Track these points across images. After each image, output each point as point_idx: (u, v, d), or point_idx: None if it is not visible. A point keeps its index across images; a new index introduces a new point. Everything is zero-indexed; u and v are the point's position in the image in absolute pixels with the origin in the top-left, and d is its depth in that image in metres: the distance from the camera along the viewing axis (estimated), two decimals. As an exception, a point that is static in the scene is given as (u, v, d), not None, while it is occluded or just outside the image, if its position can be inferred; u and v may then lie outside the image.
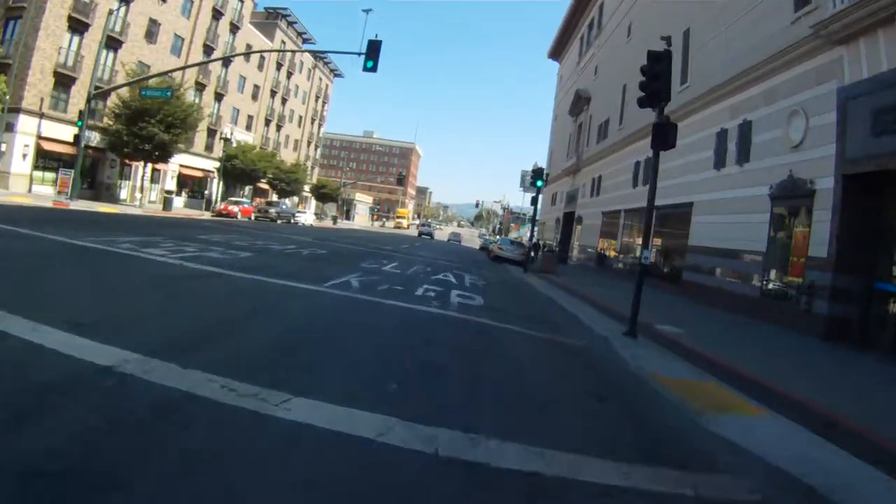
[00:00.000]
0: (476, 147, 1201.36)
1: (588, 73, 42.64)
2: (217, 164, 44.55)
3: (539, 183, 25.39)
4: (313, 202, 72.18)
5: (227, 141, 43.49)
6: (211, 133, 48.63)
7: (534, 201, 29.58)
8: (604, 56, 38.31)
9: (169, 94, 26.25)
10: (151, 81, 30.63)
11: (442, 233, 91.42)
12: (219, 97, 49.62)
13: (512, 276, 20.86)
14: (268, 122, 58.83)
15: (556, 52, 59.03)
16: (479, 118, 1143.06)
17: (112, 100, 33.38)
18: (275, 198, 58.02)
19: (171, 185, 43.98)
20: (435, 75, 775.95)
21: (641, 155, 26.64)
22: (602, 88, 37.29)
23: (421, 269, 17.32)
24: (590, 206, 35.55)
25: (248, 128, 55.32)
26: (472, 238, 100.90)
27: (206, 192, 47.20)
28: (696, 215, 19.97)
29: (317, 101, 71.68)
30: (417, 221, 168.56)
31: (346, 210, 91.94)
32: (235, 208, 37.28)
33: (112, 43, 36.11)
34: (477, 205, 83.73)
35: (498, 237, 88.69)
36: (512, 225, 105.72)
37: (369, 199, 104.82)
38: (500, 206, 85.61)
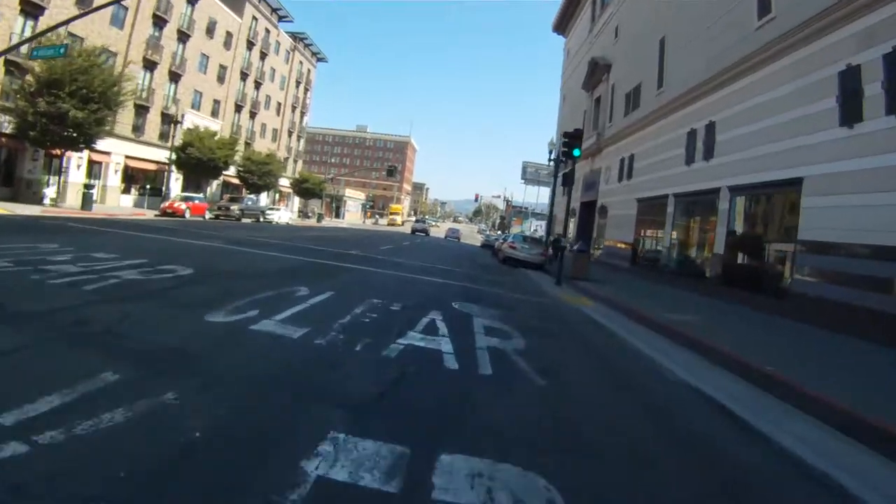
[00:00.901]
0: (474, 142, 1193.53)
1: (605, 37, 35.88)
2: (173, 155, 37.79)
3: (576, 152, 18.21)
4: (297, 200, 65.39)
5: (177, 124, 36.66)
6: (167, 119, 41.81)
7: (567, 180, 23.32)
8: (626, 13, 31.58)
9: (62, 51, 19.42)
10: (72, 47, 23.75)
11: (439, 230, 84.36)
12: (175, 77, 42.77)
13: (550, 300, 13.89)
14: (239, 109, 51.99)
15: (562, 25, 52.23)
16: (476, 113, 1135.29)
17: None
18: (253, 194, 51.25)
19: (114, 180, 37.19)
20: (430, 69, 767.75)
21: (698, 120, 19.96)
22: (627, 50, 30.51)
23: (376, 309, 7.84)
24: (618, 192, 28.81)
25: (215, 114, 48.47)
26: (471, 234, 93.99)
27: (164, 188, 40.35)
28: (811, 196, 13.24)
29: (298, 86, 64.83)
30: (414, 218, 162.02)
31: (336, 207, 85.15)
32: (183, 205, 30.54)
33: (31, 9, 29.37)
34: (476, 199, 77.00)
35: (499, 232, 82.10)
36: (514, 219, 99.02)
37: (361, 196, 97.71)
38: (501, 199, 78.82)
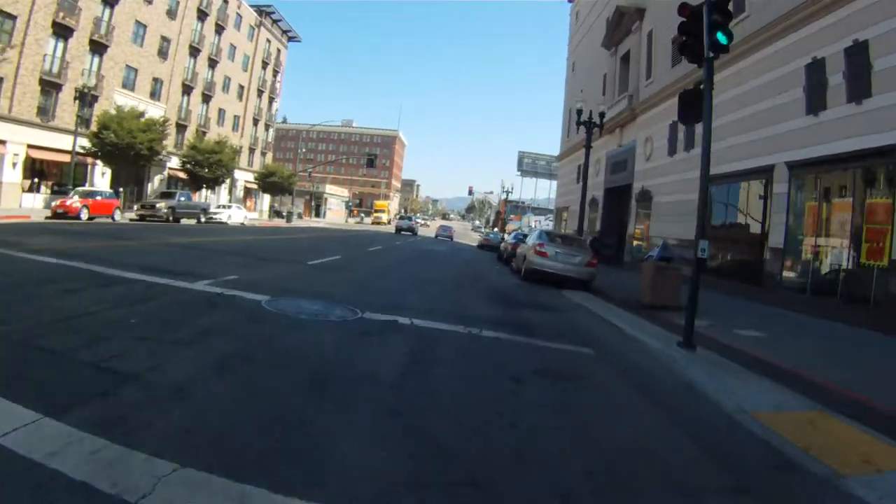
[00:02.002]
0: (466, 139, 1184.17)
1: (633, -23, 28.03)
2: (88, 143, 29.69)
3: (723, 38, 9.10)
4: (266, 197, 57.27)
5: (86, 99, 28.62)
6: (87, 99, 33.71)
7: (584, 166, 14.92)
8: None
9: None
10: None
11: (429, 229, 76.15)
12: (98, 48, 34.59)
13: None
14: (187, 90, 43.80)
15: (570, -17, 44.52)
16: (468, 109, 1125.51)
17: None
18: (211, 190, 43.18)
19: (12, 174, 29.03)
20: (420, 63, 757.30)
21: (829, 43, 12.28)
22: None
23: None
24: (672, 169, 21.02)
25: (155, 95, 40.28)
26: (465, 233, 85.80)
27: (73, 184, 32.12)
28: None
29: (265, 68, 56.65)
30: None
31: (316, 206, 77.04)
32: (78, 204, 22.51)
33: None
34: (470, 192, 69.37)
35: (496, 230, 74.29)
36: (511, 216, 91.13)
37: (345, 193, 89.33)
38: (495, 195, 71.01)
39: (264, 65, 56.35)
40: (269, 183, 48.87)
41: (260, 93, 55.98)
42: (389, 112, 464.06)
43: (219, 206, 36.40)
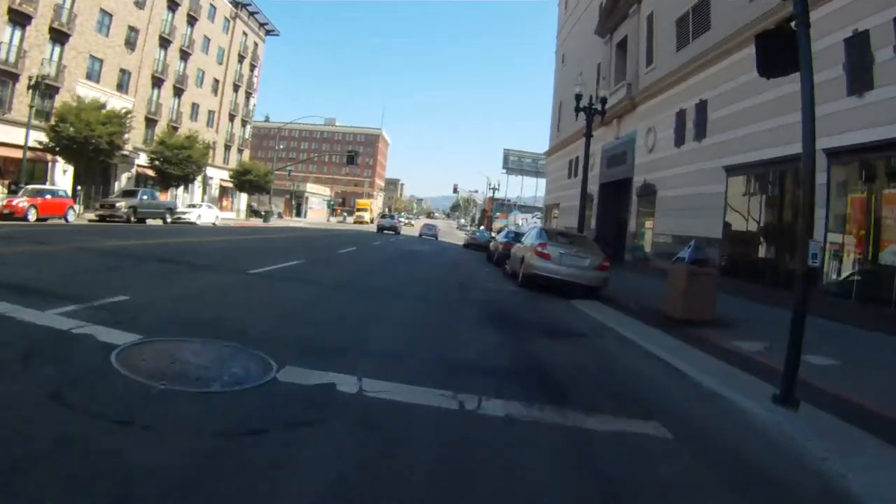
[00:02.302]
0: (450, 138, 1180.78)
1: (630, -42, 26.36)
2: (46, 137, 27.37)
3: None
4: (243, 197, 54.88)
5: (35, 86, 26.33)
6: (48, 92, 31.36)
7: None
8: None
9: None
10: None
11: (413, 228, 73.95)
12: (59, 37, 32.22)
13: None
14: (158, 83, 41.38)
15: (557, -29, 42.86)
16: (452, 108, 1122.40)
17: None
18: (198, 191, 40.83)
19: (-44, 171, 26.65)
20: (405, 62, 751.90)
21: (869, 14, 10.64)
22: (676, -43, 21.02)
23: None
24: (679, 160, 19.37)
25: (122, 87, 37.87)
26: (450, 231, 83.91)
27: (48, 181, 29.77)
28: None
29: (241, 62, 54.23)
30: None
31: (297, 205, 74.66)
32: (25, 203, 20.29)
33: None
34: (455, 190, 67.29)
35: (482, 228, 72.47)
36: (498, 214, 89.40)
37: (326, 192, 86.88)
38: (485, 189, 69.28)
39: (241, 58, 53.95)
40: (245, 181, 46.52)
41: (236, 87, 53.56)
42: (373, 112, 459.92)
43: (189, 206, 34.15)
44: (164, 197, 40.18)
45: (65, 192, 24.03)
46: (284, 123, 68.21)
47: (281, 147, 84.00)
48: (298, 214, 74.25)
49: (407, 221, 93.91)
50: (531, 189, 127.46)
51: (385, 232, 45.17)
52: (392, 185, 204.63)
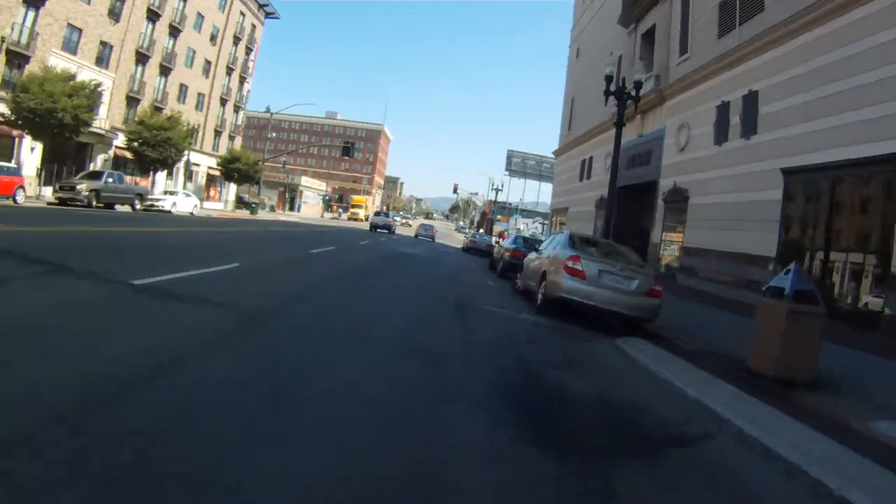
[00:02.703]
0: (452, 140, 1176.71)
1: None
2: (8, 109, 24.56)
3: None
4: (232, 187, 51.98)
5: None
6: (16, 62, 28.57)
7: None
8: None
9: None
10: None
11: (409, 228, 70.40)
12: (33, 0, 29.36)
13: None
14: (143, 60, 38.50)
15: (575, -40, 40.14)
16: (455, 109, 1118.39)
17: None
18: (173, 181, 37.98)
19: None
20: (409, 61, 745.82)
21: None
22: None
23: None
24: (716, 163, 16.66)
25: (102, 62, 35.02)
26: (448, 233, 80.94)
27: (13, 160, 26.89)
28: None
29: (236, 44, 51.36)
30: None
31: (291, 198, 71.84)
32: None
33: None
34: (455, 189, 64.54)
35: (482, 231, 69.69)
36: (499, 217, 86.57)
37: (322, 186, 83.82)
38: (488, 190, 66.51)
39: (236, 40, 51.06)
40: (233, 170, 43.60)
41: (230, 70, 50.67)
42: (375, 108, 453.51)
43: (164, 192, 31.35)
44: (144, 183, 37.53)
45: (15, 168, 21.14)
46: (279, 111, 64.74)
47: (273, 136, 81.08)
48: (292, 208, 71.44)
49: (403, 221, 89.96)
50: (532, 193, 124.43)
51: (378, 231, 42.28)
52: (391, 183, 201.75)
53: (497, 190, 51.07)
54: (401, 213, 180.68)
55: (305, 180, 75.19)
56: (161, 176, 40.58)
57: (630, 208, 24.37)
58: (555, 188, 38.22)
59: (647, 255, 21.50)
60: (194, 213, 31.49)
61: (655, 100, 22.00)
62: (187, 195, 32.22)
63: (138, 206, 26.57)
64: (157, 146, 32.00)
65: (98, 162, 34.73)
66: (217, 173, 46.89)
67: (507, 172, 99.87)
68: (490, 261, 21.89)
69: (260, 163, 45.17)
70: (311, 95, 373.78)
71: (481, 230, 66.63)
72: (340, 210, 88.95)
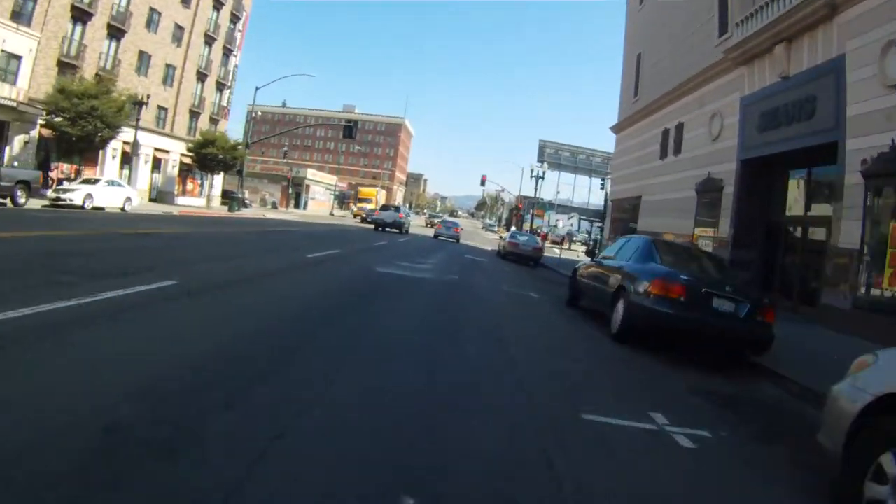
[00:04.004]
0: (477, 136, 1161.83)
1: None
2: None
3: None
4: (217, 179, 43.68)
5: None
6: None
7: None
8: None
9: None
10: None
11: (426, 228, 53.95)
12: None
13: None
14: (82, 17, 30.24)
15: None
16: (480, 105, 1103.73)
17: None
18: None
19: None
20: (434, 57, 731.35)
21: None
22: None
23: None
24: None
25: (21, 17, 26.88)
26: (474, 231, 71.36)
27: None
28: None
29: (218, 10, 42.97)
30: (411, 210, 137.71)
31: (296, 194, 63.58)
32: None
33: None
34: (483, 182, 55.46)
35: (514, 228, 60.60)
36: (533, 211, 77.10)
37: (332, 180, 74.40)
38: (525, 178, 57.15)
39: (218, 4, 42.69)
40: (206, 156, 35.13)
41: (209, 40, 42.22)
42: (397, 104, 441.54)
43: (82, 181, 22.94)
44: (90, 171, 29.44)
45: None
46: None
47: (266, 128, 72.76)
48: (297, 206, 63.21)
49: (430, 220, 72.51)
50: (566, 187, 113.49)
51: (386, 230, 33.26)
52: (415, 180, 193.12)
53: (538, 178, 41.24)
54: (426, 210, 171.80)
55: (312, 173, 66.65)
56: (114, 164, 32.50)
57: (763, 192, 15.34)
58: (614, 173, 28.87)
59: (824, 273, 12.33)
60: (126, 208, 23.13)
61: (822, 13, 12.77)
62: (116, 185, 23.69)
63: (21, 200, 18.27)
64: (78, 120, 23.63)
65: (14, 145, 26.60)
66: (187, 160, 38.32)
67: (539, 164, 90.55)
68: (572, 289, 10.81)
69: (239, 147, 36.56)
70: (328, 90, 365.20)
71: (523, 228, 57.53)
72: (358, 206, 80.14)
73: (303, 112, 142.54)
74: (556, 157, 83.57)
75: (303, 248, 14.34)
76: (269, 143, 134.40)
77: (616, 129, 28.73)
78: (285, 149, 61.84)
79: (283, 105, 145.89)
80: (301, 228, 25.74)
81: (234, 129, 40.89)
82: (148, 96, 30.65)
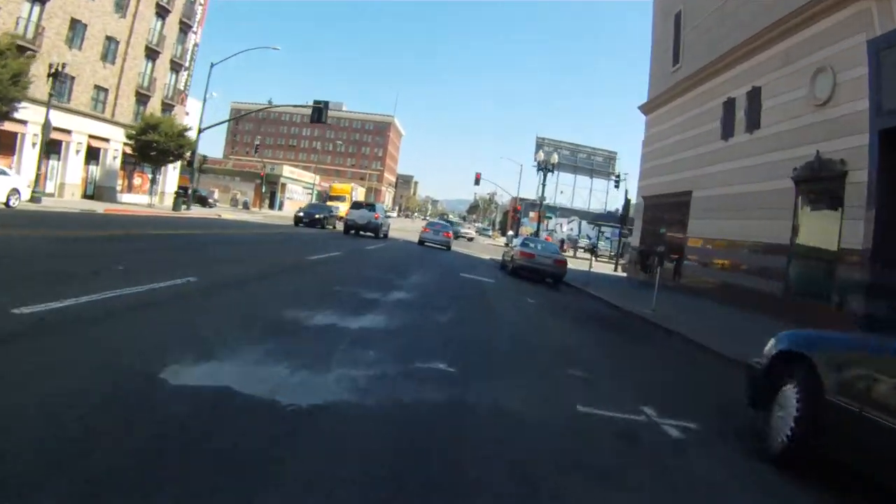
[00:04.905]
0: (469, 139, 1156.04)
1: None
2: None
3: None
4: (173, 172, 37.80)
5: None
6: None
7: None
8: None
9: None
10: None
11: (408, 233, 40.50)
12: None
13: None
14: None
15: None
16: (471, 109, 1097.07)
17: None
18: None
19: None
20: (426, 58, 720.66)
21: None
22: None
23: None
24: None
25: None
26: (473, 239, 64.68)
27: None
28: None
29: (176, -21, 37.13)
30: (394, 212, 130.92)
31: (271, 193, 57.75)
32: None
33: None
34: (477, 180, 50.19)
35: (511, 233, 55.47)
36: (531, 214, 71.72)
37: (310, 178, 67.65)
38: (536, 169, 51.79)
39: (173, -29, 36.83)
40: (148, 144, 29.13)
41: (163, 12, 36.34)
42: (386, 104, 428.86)
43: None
44: (3, 162, 23.71)
45: None
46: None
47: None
48: (272, 206, 57.44)
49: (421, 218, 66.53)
50: (565, 189, 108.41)
51: (361, 234, 27.30)
52: (405, 182, 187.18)
53: (545, 170, 35.22)
54: (416, 213, 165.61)
55: (289, 171, 60.68)
56: (34, 153, 26.63)
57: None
58: (646, 164, 23.31)
59: None
60: (13, 203, 17.40)
61: None
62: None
63: None
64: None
65: None
66: (127, 148, 32.17)
67: (535, 163, 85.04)
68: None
69: (185, 133, 30.64)
70: (316, 88, 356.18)
71: (520, 232, 52.36)
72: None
73: (288, 110, 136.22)
74: (539, 166, 78.23)
75: (163, 270, 8.60)
76: (269, 145, 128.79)
77: (647, 108, 23.22)
78: (257, 142, 56.12)
79: (269, 103, 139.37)
80: (236, 233, 19.70)
81: (195, 120, 34.65)
82: (63, 65, 24.59)
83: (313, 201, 60.39)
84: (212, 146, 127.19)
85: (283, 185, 58.72)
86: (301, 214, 30.87)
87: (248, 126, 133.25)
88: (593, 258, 26.71)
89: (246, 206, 53.26)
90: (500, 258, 26.14)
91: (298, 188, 62.14)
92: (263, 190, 55.70)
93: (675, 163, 19.53)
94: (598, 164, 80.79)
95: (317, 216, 30.98)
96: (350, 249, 18.13)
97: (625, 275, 26.42)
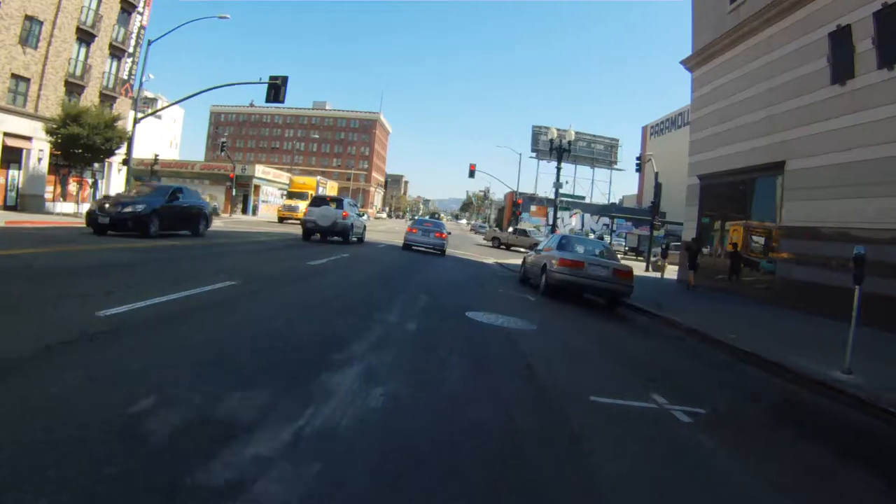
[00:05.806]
0: (459, 138, 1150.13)
1: None
2: None
3: None
4: (117, 177, 32.38)
5: None
6: None
7: None
8: None
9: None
10: None
11: (393, 235, 36.07)
12: None
13: None
14: None
15: None
16: (462, 106, 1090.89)
17: None
18: None
19: None
20: (413, 54, 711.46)
21: None
22: None
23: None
24: None
25: None
26: (463, 236, 59.53)
27: None
28: None
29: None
30: (383, 212, 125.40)
31: (244, 197, 52.32)
32: None
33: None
34: (471, 172, 44.70)
35: (510, 228, 50.54)
36: (533, 208, 66.65)
37: (286, 180, 61.35)
38: (549, 147, 47.08)
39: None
40: (72, 139, 23.68)
41: (104, -10, 30.97)
42: (373, 102, 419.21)
43: None
44: None
45: None
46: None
47: (229, 131, 61.24)
48: (245, 211, 52.04)
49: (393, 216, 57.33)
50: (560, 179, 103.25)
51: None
52: (394, 181, 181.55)
53: (560, 149, 29.80)
54: (406, 213, 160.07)
55: (262, 171, 55.05)
56: None
57: None
58: (697, 133, 17.99)
59: None
60: None
61: None
62: None
63: None
64: None
65: None
66: (46, 141, 26.65)
67: (533, 154, 79.94)
68: None
69: (114, 123, 25.18)
70: (302, 89, 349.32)
71: (518, 227, 47.63)
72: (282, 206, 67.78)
73: (270, 112, 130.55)
74: (551, 145, 73.28)
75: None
76: (251, 148, 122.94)
77: (694, 61, 18.07)
78: (223, 140, 50.63)
79: (251, 105, 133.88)
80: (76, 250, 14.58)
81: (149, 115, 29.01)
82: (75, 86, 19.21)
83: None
84: (193, 153, 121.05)
85: (257, 186, 53.24)
86: None
87: (228, 130, 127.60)
88: (654, 261, 22.27)
89: (215, 211, 47.84)
90: (507, 262, 21.03)
91: (274, 190, 56.61)
92: (234, 193, 50.22)
93: (751, 126, 14.42)
94: (599, 153, 75.89)
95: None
96: (267, 273, 10.14)
97: (664, 277, 21.41)
